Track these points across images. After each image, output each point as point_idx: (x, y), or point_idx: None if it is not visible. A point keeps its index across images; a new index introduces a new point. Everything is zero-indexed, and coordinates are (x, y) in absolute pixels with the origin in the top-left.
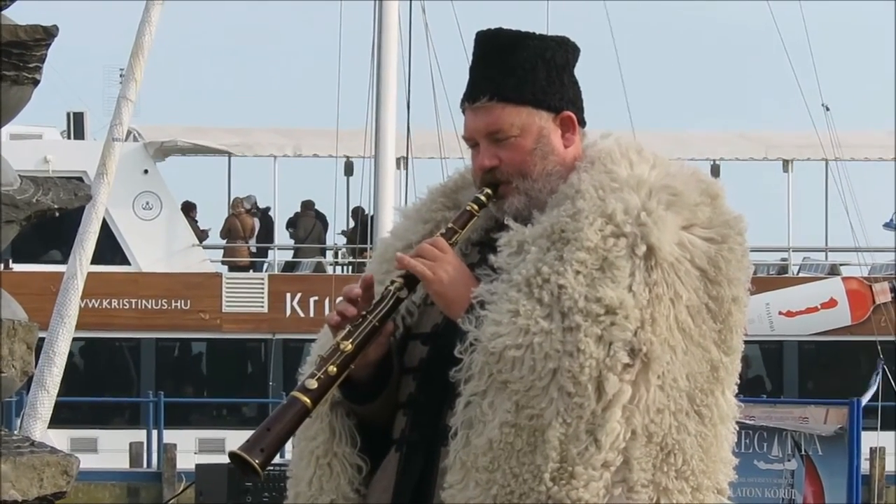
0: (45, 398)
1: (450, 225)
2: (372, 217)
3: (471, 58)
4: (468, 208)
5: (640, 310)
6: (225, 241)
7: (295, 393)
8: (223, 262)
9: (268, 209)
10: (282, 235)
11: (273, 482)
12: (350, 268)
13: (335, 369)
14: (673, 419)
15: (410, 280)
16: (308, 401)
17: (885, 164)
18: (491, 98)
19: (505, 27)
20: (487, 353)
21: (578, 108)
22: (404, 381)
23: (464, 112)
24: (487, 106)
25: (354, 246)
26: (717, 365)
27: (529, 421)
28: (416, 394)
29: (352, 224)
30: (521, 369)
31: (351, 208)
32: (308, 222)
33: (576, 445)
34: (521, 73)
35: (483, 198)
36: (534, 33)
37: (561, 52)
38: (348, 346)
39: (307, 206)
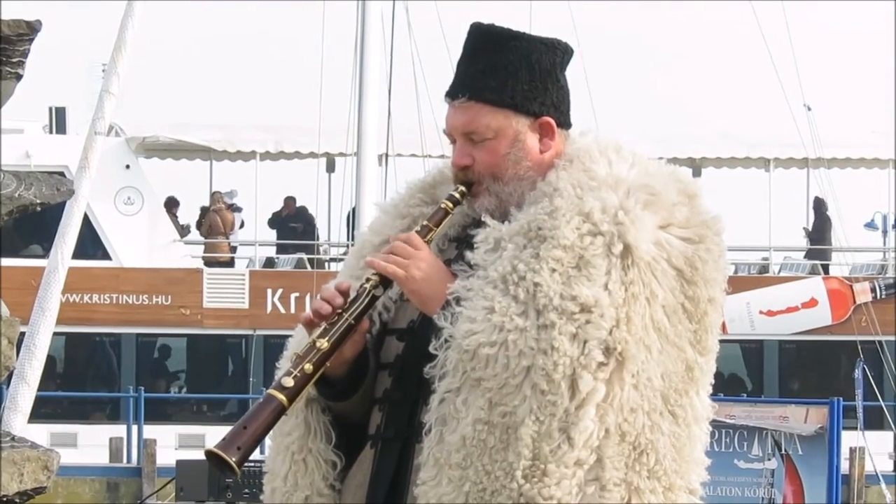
0: (25, 391)
1: (424, 222)
2: (349, 214)
3: (461, 50)
4: (443, 205)
5: (615, 308)
6: (205, 238)
7: (271, 391)
8: (203, 258)
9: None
10: (262, 232)
11: (253, 478)
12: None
13: (311, 367)
14: (646, 418)
15: (385, 277)
16: (284, 398)
17: (866, 163)
18: (470, 98)
19: (498, 24)
20: (462, 350)
21: (561, 112)
22: (380, 376)
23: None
24: (466, 105)
25: (333, 244)
26: (692, 365)
27: (502, 418)
28: (391, 390)
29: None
30: (494, 367)
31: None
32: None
33: (548, 443)
34: (503, 76)
35: (457, 195)
36: (524, 34)
37: (548, 56)
38: (324, 343)
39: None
